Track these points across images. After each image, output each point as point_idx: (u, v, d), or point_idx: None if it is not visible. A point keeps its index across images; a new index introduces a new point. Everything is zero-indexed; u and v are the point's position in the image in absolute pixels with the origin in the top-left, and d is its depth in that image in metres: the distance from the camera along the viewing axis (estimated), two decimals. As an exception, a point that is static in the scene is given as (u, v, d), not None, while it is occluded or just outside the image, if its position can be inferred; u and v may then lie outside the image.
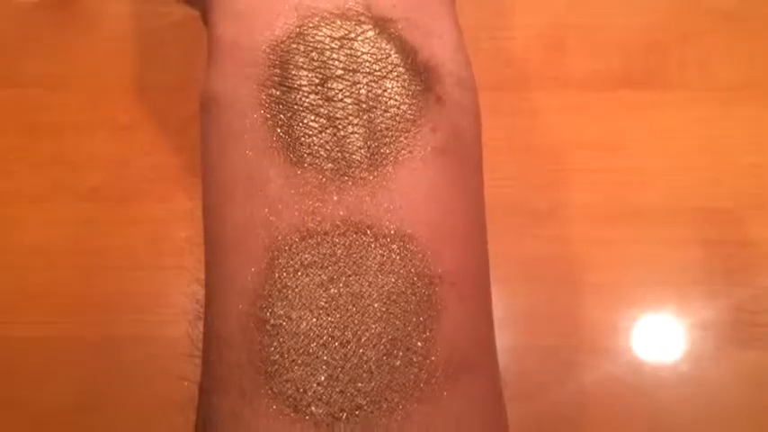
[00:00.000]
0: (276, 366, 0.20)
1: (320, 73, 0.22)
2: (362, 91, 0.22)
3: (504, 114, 0.40)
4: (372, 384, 0.20)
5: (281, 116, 0.21)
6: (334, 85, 0.22)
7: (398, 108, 0.22)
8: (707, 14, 0.41)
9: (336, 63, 0.22)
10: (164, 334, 0.37)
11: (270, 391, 0.20)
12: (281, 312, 0.20)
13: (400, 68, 0.22)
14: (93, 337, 0.38)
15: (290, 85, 0.22)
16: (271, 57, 0.22)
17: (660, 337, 0.38)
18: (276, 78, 0.22)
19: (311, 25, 0.22)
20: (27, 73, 0.42)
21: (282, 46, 0.22)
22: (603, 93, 0.41)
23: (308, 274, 0.21)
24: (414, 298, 0.21)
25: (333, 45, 0.22)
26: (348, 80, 0.22)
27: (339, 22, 0.22)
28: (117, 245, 0.39)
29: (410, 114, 0.22)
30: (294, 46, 0.22)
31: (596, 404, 0.37)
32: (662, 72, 0.41)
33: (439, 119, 0.22)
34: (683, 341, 0.38)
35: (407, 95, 0.22)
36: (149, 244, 0.39)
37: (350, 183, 0.21)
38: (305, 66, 0.22)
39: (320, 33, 0.22)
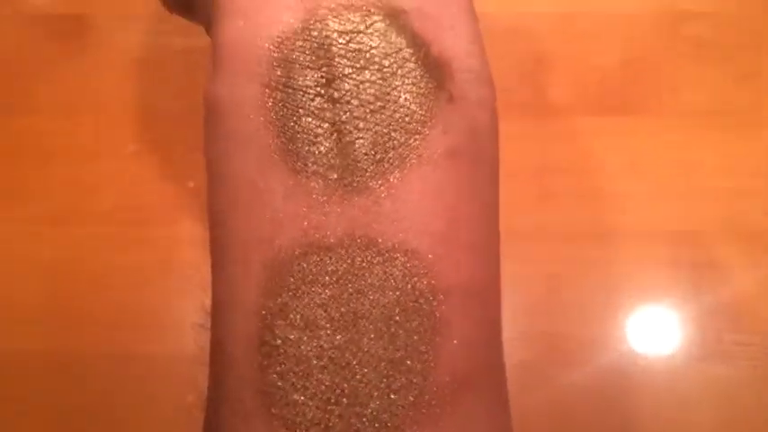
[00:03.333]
0: (274, 388, 0.19)
1: (327, 72, 0.20)
2: (371, 90, 0.20)
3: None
4: (372, 407, 0.19)
5: (285, 121, 0.20)
6: (342, 85, 0.20)
7: (408, 108, 0.20)
8: (682, 41, 0.43)
9: (344, 60, 0.20)
10: (170, 352, 0.40)
11: (268, 413, 0.19)
12: (281, 333, 0.20)
13: (411, 64, 0.21)
14: (105, 353, 0.40)
15: (295, 86, 0.20)
16: (275, 55, 0.20)
17: (631, 354, 0.40)
18: (281, 79, 0.20)
19: (318, 19, 0.21)
20: (41, 101, 0.44)
21: (287, 43, 0.20)
22: (580, 118, 0.43)
23: (309, 293, 0.20)
24: (416, 316, 0.20)
25: (340, 40, 0.20)
26: (356, 79, 0.20)
27: (347, 15, 0.21)
28: (126, 266, 0.41)
29: (420, 115, 0.20)
30: (300, 43, 0.20)
31: (569, 415, 0.39)
32: (637, 98, 0.43)
33: (451, 119, 0.21)
34: (654, 358, 0.40)
35: (418, 94, 0.21)
36: (158, 265, 0.41)
37: (355, 192, 0.20)
38: (311, 64, 0.20)
39: (327, 28, 0.21)
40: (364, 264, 0.20)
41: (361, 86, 0.20)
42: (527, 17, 0.44)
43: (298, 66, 0.20)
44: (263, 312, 0.20)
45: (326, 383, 0.19)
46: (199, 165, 0.42)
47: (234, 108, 0.21)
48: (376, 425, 0.19)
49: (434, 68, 0.21)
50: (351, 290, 0.20)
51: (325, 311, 0.20)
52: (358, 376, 0.19)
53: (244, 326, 0.20)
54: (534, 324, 0.40)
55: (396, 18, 0.21)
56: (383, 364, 0.19)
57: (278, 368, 0.19)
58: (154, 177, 0.42)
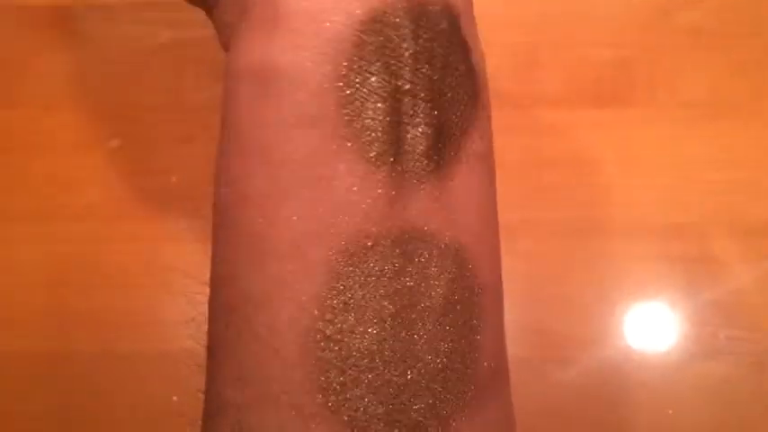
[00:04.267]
0: (335, 384, 0.19)
1: (398, 62, 0.20)
2: (434, 87, 0.20)
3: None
4: (430, 400, 0.19)
5: (357, 103, 0.20)
6: (409, 76, 0.20)
7: (462, 111, 0.21)
8: (677, 30, 0.42)
9: (413, 54, 0.20)
10: (157, 350, 0.39)
11: (327, 411, 0.19)
12: (345, 327, 0.19)
13: (462, 67, 0.21)
14: (88, 353, 0.40)
15: (372, 71, 0.20)
16: (354, 34, 0.20)
17: (624, 351, 0.39)
18: (358, 61, 0.20)
19: (396, 7, 0.20)
20: (20, 93, 0.43)
21: (370, 26, 0.20)
22: (573, 110, 0.42)
23: (373, 285, 0.19)
24: (465, 309, 0.20)
25: (409, 34, 0.20)
26: (423, 74, 0.20)
27: (419, 8, 0.20)
28: (110, 263, 0.41)
29: (467, 117, 0.21)
30: (377, 26, 0.20)
31: (561, 413, 0.39)
32: (630, 90, 0.42)
33: (484, 125, 0.22)
34: (648, 355, 0.39)
35: (467, 98, 0.21)
36: (141, 262, 0.40)
37: (416, 187, 0.20)
38: (385, 52, 0.20)
39: (398, 19, 0.20)
40: (423, 258, 0.20)
41: (426, 81, 0.20)
42: (516, 6, 0.43)
43: (373, 50, 0.20)
44: (327, 304, 0.19)
45: (387, 377, 0.19)
46: (183, 159, 0.42)
47: (301, 80, 0.20)
48: (433, 415, 0.19)
49: (474, 76, 0.21)
50: (411, 283, 0.20)
51: (390, 303, 0.19)
52: (417, 368, 0.19)
53: (301, 320, 0.19)
54: (526, 320, 0.39)
55: (454, 20, 0.21)
56: (441, 355, 0.20)
57: (340, 363, 0.19)
58: (137, 172, 0.42)
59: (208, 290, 0.22)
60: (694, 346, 0.39)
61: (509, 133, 0.43)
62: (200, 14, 0.44)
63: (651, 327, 0.39)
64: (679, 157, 0.41)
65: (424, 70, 0.20)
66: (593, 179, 0.41)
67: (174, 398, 0.38)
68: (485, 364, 0.21)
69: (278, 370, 0.19)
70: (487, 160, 0.22)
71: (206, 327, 0.22)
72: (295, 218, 0.20)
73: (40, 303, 0.41)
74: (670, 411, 0.38)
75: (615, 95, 0.42)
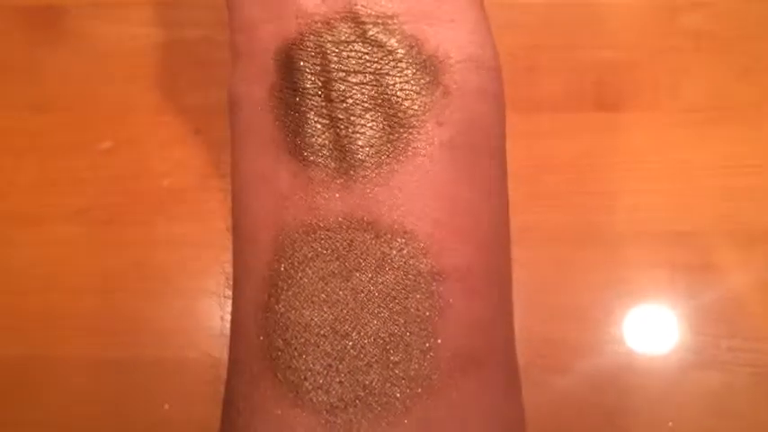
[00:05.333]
0: (280, 353, 0.21)
1: (323, 76, 0.22)
2: (365, 90, 0.22)
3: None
4: (371, 377, 0.21)
5: (289, 117, 0.23)
6: (337, 86, 0.22)
7: (401, 105, 0.22)
8: (680, 33, 0.41)
9: (338, 66, 0.22)
10: (147, 357, 0.39)
11: (274, 377, 0.21)
12: (286, 302, 0.21)
13: (402, 63, 0.22)
14: (75, 358, 0.39)
15: (296, 88, 0.23)
16: (277, 62, 0.23)
17: (623, 359, 0.38)
18: (283, 82, 0.23)
19: (311, 32, 0.23)
20: (12, 94, 0.43)
21: (286, 52, 0.23)
22: (574, 114, 0.41)
23: (311, 267, 0.22)
24: (414, 295, 0.21)
25: (333, 49, 0.22)
26: (350, 81, 0.22)
27: (339, 26, 0.23)
28: (99, 267, 0.40)
29: (414, 110, 0.22)
30: (296, 52, 0.23)
31: (560, 422, 0.38)
32: (632, 93, 0.41)
33: (446, 112, 0.22)
34: (647, 364, 0.39)
35: (411, 91, 0.22)
36: (131, 267, 0.40)
37: (353, 180, 0.22)
38: (309, 70, 0.22)
39: (321, 39, 0.22)
40: (363, 244, 0.22)
41: (355, 87, 0.22)
42: (516, 9, 0.42)
43: (297, 71, 0.23)
44: (271, 283, 0.22)
45: (328, 350, 0.21)
46: (175, 163, 0.41)
47: (247, 106, 0.24)
48: (375, 393, 0.21)
49: (429, 65, 0.22)
50: (350, 267, 0.21)
51: (327, 285, 0.21)
52: (358, 346, 0.21)
53: (254, 296, 0.22)
54: (525, 327, 0.38)
55: (385, 24, 0.23)
56: (382, 337, 0.21)
57: (283, 335, 0.21)
58: (128, 175, 0.41)
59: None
60: (695, 355, 0.38)
61: (509, 138, 0.43)
62: (195, 14, 0.44)
63: (651, 335, 0.39)
64: (681, 163, 0.40)
65: (351, 78, 0.22)
66: (593, 185, 0.40)
67: (166, 406, 0.38)
68: (446, 351, 0.21)
69: (241, 340, 0.23)
70: (457, 146, 0.22)
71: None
72: (251, 210, 0.23)
73: (27, 307, 0.40)
74: (670, 423, 0.38)
75: (617, 99, 0.41)
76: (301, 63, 0.23)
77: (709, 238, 0.39)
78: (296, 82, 0.23)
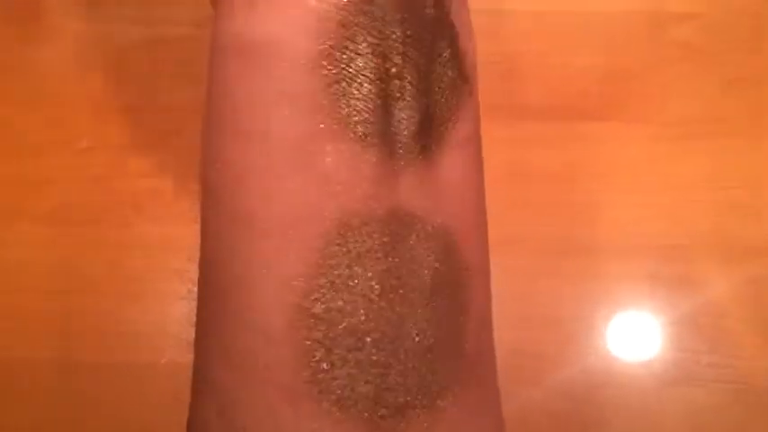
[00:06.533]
0: (324, 363, 0.19)
1: (385, 45, 0.20)
2: (420, 71, 0.20)
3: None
4: (417, 380, 0.19)
5: (344, 83, 0.19)
6: (397, 60, 0.20)
7: (448, 95, 0.21)
8: (668, 44, 0.41)
9: (401, 38, 0.20)
10: (120, 361, 0.38)
11: (316, 390, 0.19)
12: (333, 306, 0.19)
13: (447, 53, 0.21)
14: (46, 360, 0.38)
15: (356, 50, 0.20)
16: (342, 13, 0.20)
17: (603, 373, 0.38)
18: (344, 40, 0.20)
19: None
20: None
21: (350, 6, 0.20)
22: (558, 123, 0.40)
23: (361, 265, 0.19)
24: (452, 291, 0.20)
25: (397, 18, 0.20)
26: (411, 58, 0.20)
27: None
28: (75, 268, 0.39)
29: (454, 103, 0.21)
30: (365, 7, 0.20)
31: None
32: (619, 103, 0.41)
33: (471, 110, 0.22)
34: (626, 378, 0.38)
35: (453, 83, 0.21)
36: (107, 269, 0.39)
37: (402, 169, 0.20)
38: (373, 33, 0.20)
39: (386, 2, 0.20)
40: (411, 238, 0.20)
41: (413, 66, 0.20)
42: (502, 17, 0.41)
43: (360, 30, 0.20)
44: (315, 283, 0.19)
45: (375, 357, 0.19)
46: (155, 163, 0.41)
47: (288, 56, 0.19)
48: (420, 395, 0.20)
49: (461, 62, 0.22)
50: (400, 264, 0.20)
51: (378, 284, 0.19)
52: (404, 348, 0.19)
53: (289, 300, 0.19)
54: (500, 339, 0.38)
55: (442, 6, 0.21)
56: (429, 336, 0.20)
57: (329, 342, 0.19)
58: (106, 175, 0.40)
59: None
60: (675, 370, 0.38)
61: (493, 146, 0.42)
62: (176, 12, 0.43)
63: (631, 349, 0.38)
64: (667, 176, 0.40)
65: (410, 54, 0.20)
66: (576, 196, 0.40)
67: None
68: (470, 345, 0.21)
69: (264, 349, 0.19)
70: (474, 145, 0.22)
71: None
72: (282, 197, 0.19)
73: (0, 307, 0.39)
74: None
75: (603, 109, 0.40)
76: (367, 22, 0.20)
77: (692, 252, 0.39)
78: (357, 43, 0.19)
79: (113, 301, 0.39)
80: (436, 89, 0.21)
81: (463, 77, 0.22)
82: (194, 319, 0.39)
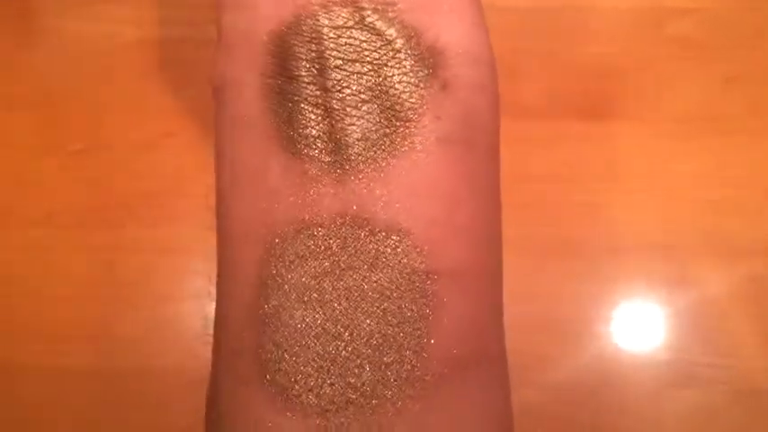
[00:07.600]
0: (270, 355, 0.21)
1: (319, 63, 0.21)
2: (362, 81, 0.21)
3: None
4: (363, 379, 0.20)
5: (282, 107, 0.22)
6: (333, 75, 0.21)
7: (399, 97, 0.21)
8: (666, 40, 0.40)
9: (335, 53, 0.22)
10: (109, 367, 0.38)
11: (264, 379, 0.20)
12: (276, 303, 0.21)
13: (401, 54, 0.22)
14: (41, 366, 0.38)
15: (290, 75, 0.22)
16: (270, 47, 0.22)
17: (601, 375, 0.38)
18: (276, 68, 0.22)
19: (308, 15, 0.22)
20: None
21: (281, 36, 0.22)
22: (556, 122, 0.40)
23: (302, 266, 0.21)
24: (408, 294, 0.21)
25: (331, 35, 0.22)
26: (347, 70, 0.21)
27: (337, 10, 0.22)
28: (65, 272, 0.39)
29: (411, 103, 0.21)
30: (292, 36, 0.22)
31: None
32: (616, 101, 0.40)
33: (444, 106, 0.22)
34: (622, 379, 0.38)
35: (409, 83, 0.22)
36: (100, 273, 0.39)
37: (347, 175, 0.21)
38: (303, 56, 0.22)
39: (318, 23, 0.22)
40: (357, 241, 0.21)
41: (351, 77, 0.21)
42: (499, 15, 0.41)
43: (291, 57, 0.22)
44: (261, 283, 0.21)
45: (319, 351, 0.20)
46: (146, 166, 0.40)
47: (236, 93, 0.22)
48: (367, 395, 0.20)
49: (428, 57, 0.22)
50: (343, 265, 0.21)
51: (319, 284, 0.21)
52: (350, 347, 0.20)
53: (242, 296, 0.21)
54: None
55: (385, 12, 0.22)
56: (375, 337, 0.20)
57: (273, 336, 0.21)
58: (98, 178, 0.40)
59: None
60: (675, 371, 0.38)
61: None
62: (170, 13, 0.43)
63: (628, 351, 0.38)
64: (666, 174, 0.39)
65: (346, 66, 0.21)
66: (574, 195, 0.39)
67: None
68: (438, 352, 0.21)
69: (228, 340, 0.22)
70: (454, 142, 0.22)
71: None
72: (239, 206, 0.22)
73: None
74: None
75: (600, 107, 0.40)
76: (297, 48, 0.22)
77: (691, 252, 0.38)
78: (291, 69, 0.22)
79: (109, 305, 0.39)
80: (387, 92, 0.21)
81: (430, 72, 0.22)
82: (187, 321, 0.39)
